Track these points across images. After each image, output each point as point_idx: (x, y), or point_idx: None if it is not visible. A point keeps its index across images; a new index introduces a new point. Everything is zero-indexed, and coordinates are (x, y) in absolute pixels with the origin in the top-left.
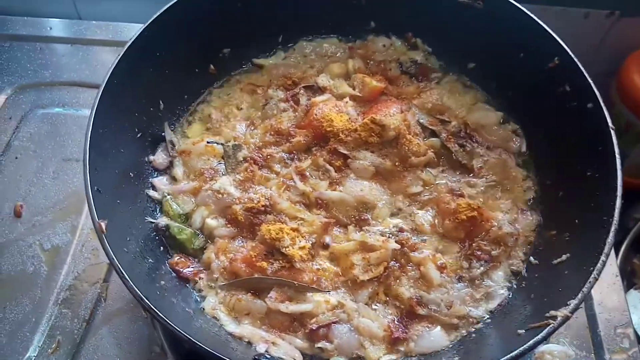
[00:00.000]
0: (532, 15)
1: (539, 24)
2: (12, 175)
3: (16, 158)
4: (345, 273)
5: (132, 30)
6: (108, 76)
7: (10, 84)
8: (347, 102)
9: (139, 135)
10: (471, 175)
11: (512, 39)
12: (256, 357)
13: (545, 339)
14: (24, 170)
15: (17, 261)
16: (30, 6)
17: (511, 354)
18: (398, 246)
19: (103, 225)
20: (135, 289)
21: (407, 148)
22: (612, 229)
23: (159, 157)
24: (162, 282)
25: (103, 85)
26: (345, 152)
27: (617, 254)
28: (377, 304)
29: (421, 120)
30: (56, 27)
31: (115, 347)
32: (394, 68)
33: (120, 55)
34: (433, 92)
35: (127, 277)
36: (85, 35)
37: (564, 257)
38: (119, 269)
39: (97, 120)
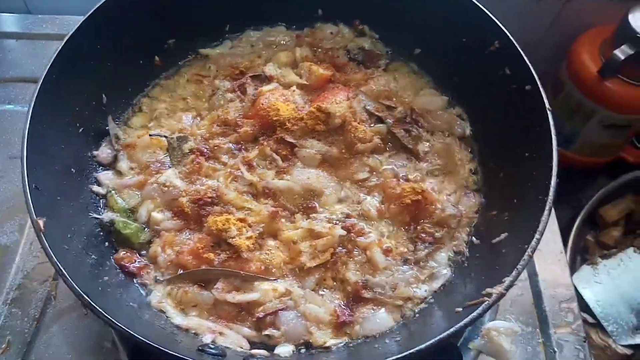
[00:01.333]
0: (473, 0)
1: (480, 8)
2: None
3: None
4: (293, 261)
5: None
6: (46, 71)
7: None
8: (294, 90)
9: (80, 130)
10: (417, 160)
11: (455, 24)
12: (200, 347)
13: (480, 316)
14: None
15: None
16: None
17: (447, 332)
18: (344, 232)
19: (41, 223)
20: (75, 286)
21: (353, 135)
22: (547, 207)
23: (103, 152)
24: (106, 278)
25: (41, 81)
26: (292, 140)
27: (570, 230)
28: (324, 290)
29: (367, 107)
30: (4, 21)
31: (67, 345)
32: (341, 55)
33: (59, 49)
34: (380, 79)
35: (65, 274)
36: (33, 29)
37: (502, 236)
38: (58, 266)
39: (35, 117)
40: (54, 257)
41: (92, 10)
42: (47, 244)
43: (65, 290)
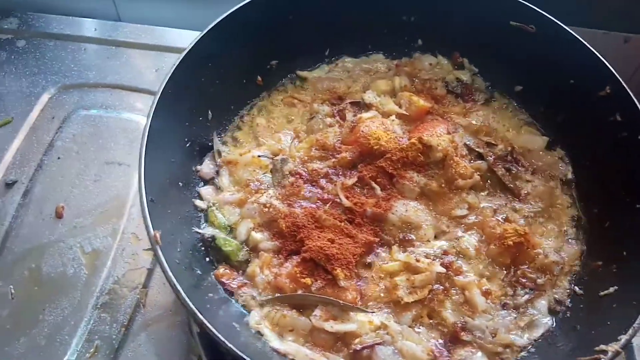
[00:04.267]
0: (584, 42)
1: (591, 50)
2: (54, 176)
3: (58, 158)
4: (389, 294)
5: (172, 36)
6: (164, 84)
7: (54, 84)
8: (393, 120)
9: (188, 144)
10: (517, 200)
11: (563, 64)
12: None
13: None
14: (66, 172)
15: (57, 263)
16: (72, 6)
17: None
18: (443, 269)
19: (158, 235)
20: (190, 304)
21: (453, 170)
22: None
23: (206, 167)
24: (210, 295)
25: (159, 94)
26: (391, 171)
27: None
28: (421, 327)
29: (468, 142)
30: (100, 28)
31: (154, 355)
32: (439, 87)
33: (176, 64)
34: (479, 113)
35: (180, 290)
36: (127, 38)
37: (611, 289)
38: (174, 283)
39: (151, 129)
40: (170, 272)
41: (207, 29)
42: (163, 258)
43: (155, 299)
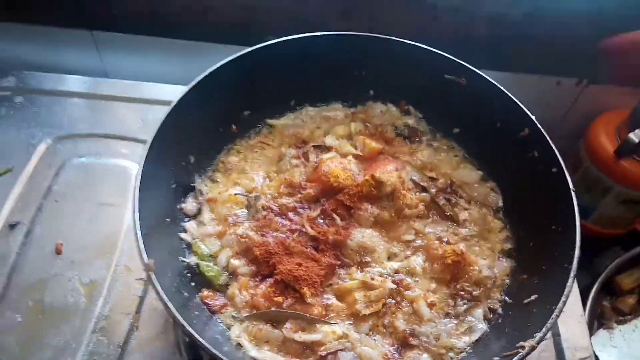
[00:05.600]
0: (507, 92)
1: (512, 99)
2: (52, 217)
3: (56, 201)
4: (349, 308)
5: (155, 90)
6: (155, 135)
7: (49, 135)
8: (350, 160)
9: (173, 185)
10: (456, 225)
11: (490, 110)
12: None
13: None
14: (63, 213)
15: (58, 294)
16: (63, 65)
17: None
18: (394, 285)
19: (152, 263)
20: (179, 316)
21: (401, 202)
22: (572, 274)
23: (189, 205)
24: (196, 313)
25: (149, 143)
26: (349, 204)
27: (588, 295)
28: (377, 335)
29: (413, 178)
30: (89, 84)
31: None
32: (389, 130)
33: (165, 116)
34: (423, 153)
35: (171, 307)
36: (114, 92)
37: (533, 297)
38: (166, 301)
39: (144, 174)
40: (164, 295)
41: (194, 83)
42: (157, 283)
43: (147, 322)
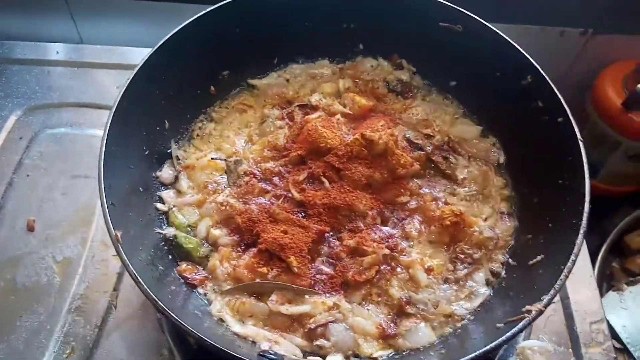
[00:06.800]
0: (506, 37)
1: (512, 44)
2: (24, 192)
3: (27, 176)
4: (340, 276)
5: (132, 54)
6: (119, 98)
7: (19, 106)
8: (338, 119)
9: (147, 152)
10: (455, 185)
11: (489, 59)
12: (261, 352)
13: (521, 331)
14: (35, 187)
15: (31, 273)
16: (36, 32)
17: (490, 345)
18: (388, 251)
19: (119, 234)
20: (150, 292)
21: (394, 161)
22: (581, 231)
23: (165, 172)
24: (173, 287)
25: (114, 107)
26: (338, 165)
27: (596, 257)
28: (370, 305)
29: (407, 135)
30: (62, 51)
31: (126, 351)
32: (381, 87)
33: (130, 79)
34: (418, 109)
35: (141, 281)
36: (90, 58)
37: (538, 257)
38: (134, 274)
39: (109, 140)
40: (130, 266)
41: (158, 44)
42: (124, 254)
43: (126, 300)
